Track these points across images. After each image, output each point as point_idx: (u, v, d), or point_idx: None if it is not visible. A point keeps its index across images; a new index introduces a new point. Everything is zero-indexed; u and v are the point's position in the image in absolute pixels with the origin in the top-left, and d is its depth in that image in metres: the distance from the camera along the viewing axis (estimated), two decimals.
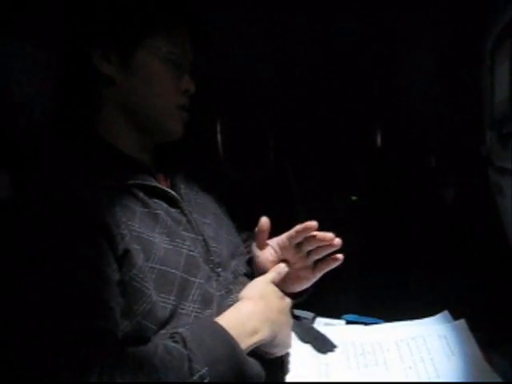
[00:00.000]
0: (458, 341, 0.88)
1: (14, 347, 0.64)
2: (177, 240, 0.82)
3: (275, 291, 0.83)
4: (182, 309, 0.78)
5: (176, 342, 0.70)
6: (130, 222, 0.77)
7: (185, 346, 0.69)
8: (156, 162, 0.93)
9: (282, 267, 0.88)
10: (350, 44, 1.37)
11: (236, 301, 0.82)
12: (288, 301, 0.85)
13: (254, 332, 0.75)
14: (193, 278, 0.81)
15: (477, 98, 1.10)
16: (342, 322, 1.07)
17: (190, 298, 0.79)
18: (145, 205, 0.82)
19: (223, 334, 0.72)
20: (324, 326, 1.03)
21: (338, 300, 1.28)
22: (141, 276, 0.74)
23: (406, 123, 1.40)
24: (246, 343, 0.74)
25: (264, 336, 0.76)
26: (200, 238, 0.87)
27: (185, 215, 0.87)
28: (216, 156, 1.48)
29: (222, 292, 0.85)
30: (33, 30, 1.09)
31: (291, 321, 0.85)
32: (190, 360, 0.67)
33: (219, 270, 0.88)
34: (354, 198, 1.48)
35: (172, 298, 0.77)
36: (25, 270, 0.68)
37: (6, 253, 0.71)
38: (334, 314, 1.11)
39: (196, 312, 0.79)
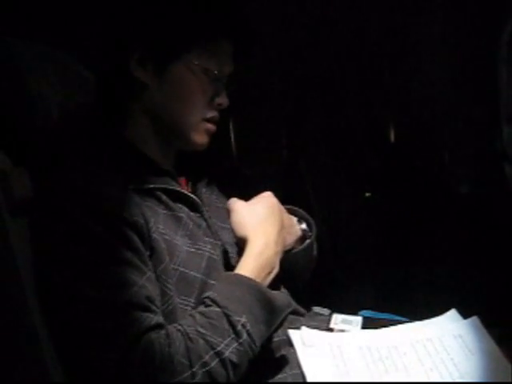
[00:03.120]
0: (474, 339, 0.87)
1: (83, 353, 0.71)
2: (199, 243, 0.84)
3: (264, 212, 0.84)
4: None
5: (208, 305, 0.74)
6: (154, 223, 0.78)
7: (217, 305, 0.73)
8: (178, 167, 0.94)
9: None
10: (364, 40, 1.37)
11: None
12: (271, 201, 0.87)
13: (271, 269, 0.81)
14: (212, 281, 0.82)
15: (492, 92, 1.09)
16: (359, 318, 1.07)
17: None
18: (168, 207, 0.83)
19: (247, 282, 0.76)
20: (341, 323, 1.03)
21: (353, 296, 1.28)
22: (164, 277, 0.76)
23: (419, 118, 1.40)
24: (266, 281, 0.79)
25: (278, 268, 0.82)
26: (219, 243, 0.88)
27: (205, 220, 0.88)
28: (229, 154, 1.48)
29: None
30: (50, 30, 1.10)
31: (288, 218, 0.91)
32: (226, 315, 0.72)
33: None
34: (367, 194, 1.48)
35: (192, 300, 0.79)
36: (69, 277, 0.72)
37: (46, 259, 0.74)
38: (350, 310, 1.11)
39: None
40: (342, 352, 0.89)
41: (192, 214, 0.87)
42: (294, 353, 0.86)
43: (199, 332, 0.70)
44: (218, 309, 0.73)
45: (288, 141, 1.55)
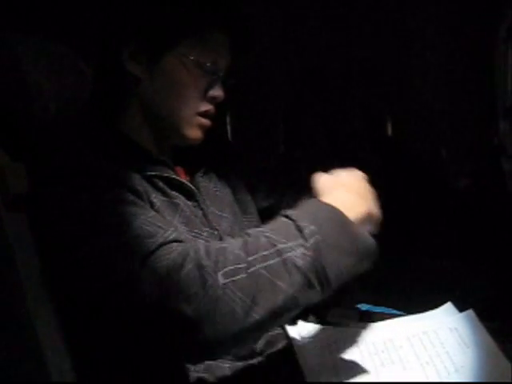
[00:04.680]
0: (469, 332, 0.87)
1: (97, 274, 0.67)
2: (195, 230, 0.84)
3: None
4: None
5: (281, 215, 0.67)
6: (153, 199, 0.79)
7: (285, 215, 0.67)
8: (176, 156, 0.93)
9: None
10: (362, 34, 1.36)
11: None
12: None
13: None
14: None
15: (489, 87, 1.09)
16: (356, 311, 1.07)
17: None
18: (165, 194, 0.83)
19: (326, 205, 0.68)
20: (338, 316, 1.04)
21: (350, 289, 1.29)
22: None
23: (417, 112, 1.40)
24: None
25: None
26: (215, 232, 0.88)
27: (201, 209, 0.88)
28: (226, 146, 1.48)
29: None
30: (45, 23, 1.10)
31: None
32: (295, 222, 0.64)
33: None
34: None
35: None
36: (77, 223, 0.70)
37: (60, 222, 0.72)
38: (348, 304, 1.12)
39: None
40: (338, 345, 0.90)
41: (188, 202, 0.87)
42: (291, 346, 0.86)
43: (261, 231, 0.65)
44: (284, 218, 0.66)
45: (285, 135, 1.55)
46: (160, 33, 0.83)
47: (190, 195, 0.87)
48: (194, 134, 0.88)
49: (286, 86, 1.51)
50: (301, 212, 0.67)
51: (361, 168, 0.81)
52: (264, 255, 0.62)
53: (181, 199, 0.85)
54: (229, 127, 1.49)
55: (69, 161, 0.77)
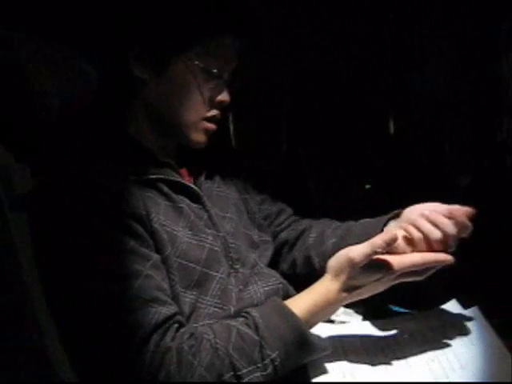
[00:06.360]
0: (475, 329, 0.88)
1: (93, 351, 0.73)
2: (200, 235, 0.84)
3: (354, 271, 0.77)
4: (201, 303, 0.80)
5: (249, 326, 0.75)
6: (155, 214, 0.79)
7: (257, 332, 0.74)
8: (179, 157, 0.93)
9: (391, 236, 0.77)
10: (364, 32, 1.36)
11: (253, 293, 0.85)
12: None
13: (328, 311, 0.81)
14: (214, 273, 0.82)
15: (493, 83, 1.09)
16: (360, 309, 1.07)
17: (210, 292, 0.81)
18: (169, 198, 0.83)
19: (293, 321, 0.76)
20: (342, 314, 1.04)
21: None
22: (166, 266, 0.77)
23: (419, 110, 1.40)
24: (316, 321, 0.80)
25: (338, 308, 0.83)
26: (220, 234, 0.88)
27: (206, 211, 0.88)
28: (229, 146, 1.48)
29: (241, 287, 0.86)
30: (49, 24, 1.10)
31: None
32: (261, 346, 0.73)
33: (237, 266, 0.88)
34: (367, 186, 1.48)
35: (189, 291, 0.79)
36: (69, 271, 0.73)
37: (47, 254, 0.75)
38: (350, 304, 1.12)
39: (215, 306, 0.80)
40: (343, 343, 0.89)
41: (193, 205, 0.87)
42: None
43: (229, 353, 0.72)
44: (255, 336, 0.73)
45: (288, 133, 1.55)
46: (168, 37, 0.82)
47: (194, 198, 0.88)
48: (200, 138, 0.88)
49: (288, 85, 1.51)
50: (270, 331, 0.74)
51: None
52: (223, 380, 0.71)
53: (185, 202, 0.86)
54: (231, 127, 1.49)
55: (74, 173, 0.78)
